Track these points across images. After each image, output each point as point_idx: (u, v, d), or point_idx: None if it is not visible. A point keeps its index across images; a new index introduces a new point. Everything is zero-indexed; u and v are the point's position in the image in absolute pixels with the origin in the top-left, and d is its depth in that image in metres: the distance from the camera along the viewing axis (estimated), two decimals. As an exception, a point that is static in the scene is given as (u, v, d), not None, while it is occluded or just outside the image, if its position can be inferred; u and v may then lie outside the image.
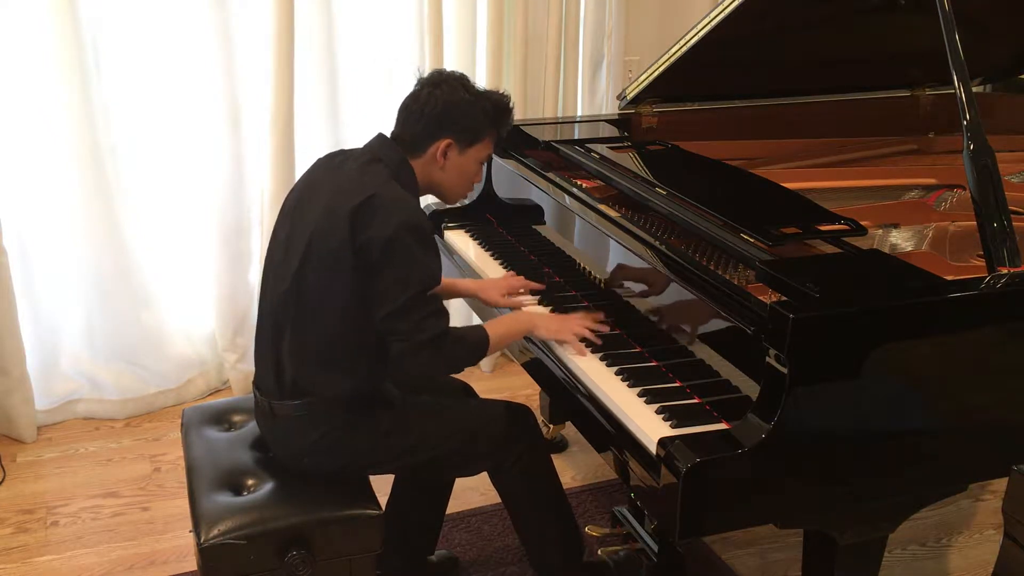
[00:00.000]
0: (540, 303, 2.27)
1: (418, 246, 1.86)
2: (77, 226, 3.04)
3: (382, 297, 1.86)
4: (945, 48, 1.89)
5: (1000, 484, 1.98)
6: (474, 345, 1.98)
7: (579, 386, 1.95)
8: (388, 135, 2.03)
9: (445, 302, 2.65)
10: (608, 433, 1.80)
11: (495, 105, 2.02)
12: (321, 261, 1.90)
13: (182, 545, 2.59)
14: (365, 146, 2.03)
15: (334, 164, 2.02)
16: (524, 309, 2.25)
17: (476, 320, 3.58)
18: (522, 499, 2.15)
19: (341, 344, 1.94)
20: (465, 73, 2.05)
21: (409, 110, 2.00)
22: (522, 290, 2.32)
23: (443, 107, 1.96)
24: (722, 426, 1.68)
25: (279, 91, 3.05)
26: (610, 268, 2.17)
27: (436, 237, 2.76)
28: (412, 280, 1.86)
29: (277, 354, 1.98)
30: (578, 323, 2.05)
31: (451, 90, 1.97)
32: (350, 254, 1.86)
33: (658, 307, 1.98)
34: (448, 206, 2.81)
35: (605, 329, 2.06)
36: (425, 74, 2.04)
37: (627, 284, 2.10)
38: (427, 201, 3.18)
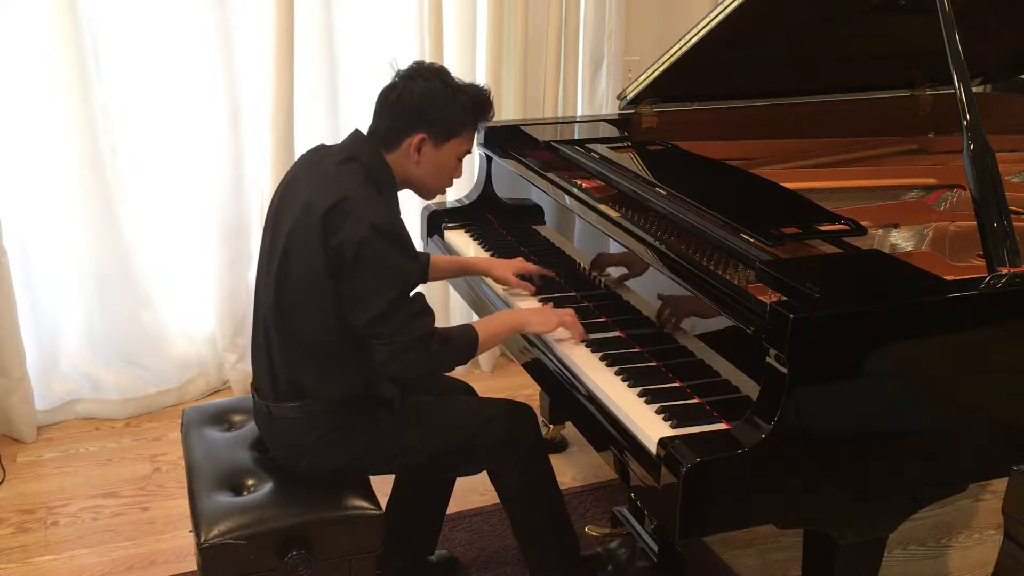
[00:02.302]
0: (542, 304, 2.27)
1: (390, 248, 1.84)
2: (77, 226, 3.04)
3: (359, 302, 1.85)
4: (945, 48, 1.89)
5: (1000, 484, 1.98)
6: (462, 346, 1.97)
7: (579, 386, 1.95)
8: (365, 131, 2.01)
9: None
10: (608, 433, 1.80)
11: (473, 99, 1.96)
12: (298, 261, 1.89)
13: (182, 545, 2.59)
14: (343, 143, 2.01)
15: (314, 160, 2.01)
16: (518, 306, 2.26)
17: (475, 318, 3.59)
18: (521, 499, 2.15)
19: (332, 345, 1.93)
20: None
21: (384, 102, 1.97)
22: (533, 275, 2.34)
23: (418, 100, 1.92)
24: (722, 426, 1.68)
25: (279, 91, 3.05)
26: (610, 268, 2.17)
27: (436, 237, 2.78)
28: (389, 283, 1.85)
29: (269, 356, 1.98)
30: (561, 317, 2.07)
31: (426, 83, 1.93)
32: (323, 257, 1.85)
33: (658, 307, 1.98)
34: (437, 204, 2.82)
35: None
36: (403, 67, 2.00)
37: (627, 284, 2.10)
38: (427, 200, 3.18)
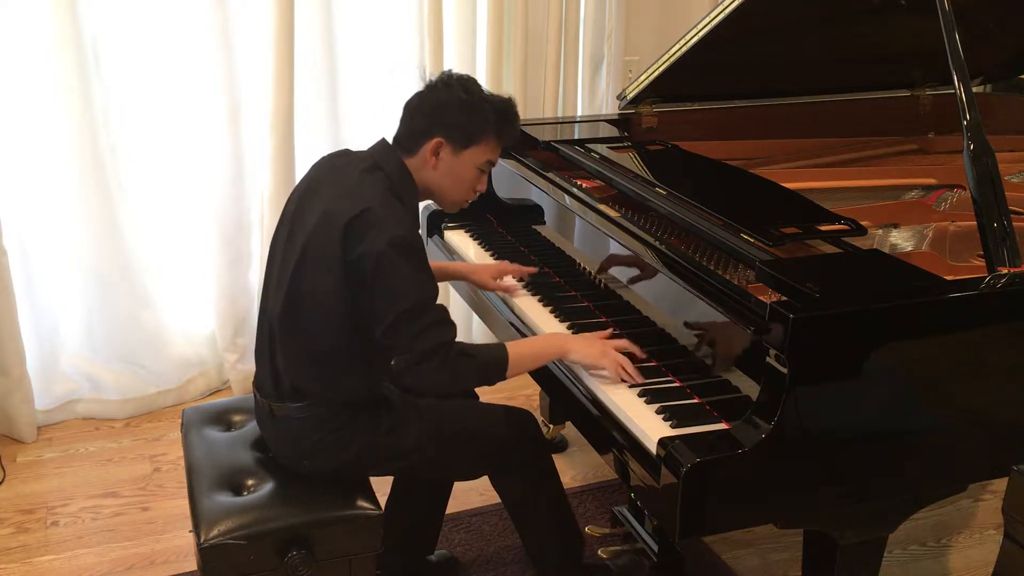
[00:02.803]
0: (542, 304, 2.27)
1: (408, 263, 1.83)
2: (77, 226, 3.04)
3: (379, 314, 1.85)
4: (945, 48, 1.89)
5: (1000, 484, 1.98)
6: (488, 363, 1.91)
7: (579, 386, 1.94)
8: (391, 140, 2.01)
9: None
10: (608, 433, 1.80)
11: (495, 108, 1.96)
12: (315, 267, 1.89)
13: (182, 545, 2.59)
14: (368, 150, 2.00)
15: (337, 166, 2.00)
16: (523, 298, 2.27)
17: (476, 320, 3.59)
18: (523, 502, 2.15)
19: (339, 350, 1.93)
20: (464, 71, 2.04)
21: (407, 108, 1.98)
22: (510, 276, 2.35)
23: (437, 105, 1.93)
24: (722, 426, 1.68)
25: (279, 91, 3.05)
26: (610, 268, 2.17)
27: (436, 237, 2.78)
28: (405, 295, 1.84)
29: (274, 356, 1.97)
30: (615, 351, 1.91)
31: (449, 89, 1.94)
32: (342, 266, 1.85)
33: (658, 307, 1.98)
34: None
35: (643, 356, 1.94)
36: (434, 76, 2.00)
37: (627, 284, 2.10)
38: (427, 200, 3.18)
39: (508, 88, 3.37)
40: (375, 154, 1.98)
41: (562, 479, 2.20)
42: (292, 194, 2.03)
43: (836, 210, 1.98)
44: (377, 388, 2.04)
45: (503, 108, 1.97)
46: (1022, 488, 1.85)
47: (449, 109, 1.93)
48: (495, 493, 2.16)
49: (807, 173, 2.55)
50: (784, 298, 1.62)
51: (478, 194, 2.06)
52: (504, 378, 1.94)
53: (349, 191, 1.90)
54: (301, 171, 2.14)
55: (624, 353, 1.92)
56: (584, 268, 2.29)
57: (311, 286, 1.90)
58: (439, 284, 2.57)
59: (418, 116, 1.95)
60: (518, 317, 2.26)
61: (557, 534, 2.18)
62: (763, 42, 2.59)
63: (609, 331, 2.05)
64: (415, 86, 2.02)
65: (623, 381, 1.87)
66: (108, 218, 3.06)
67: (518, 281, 2.37)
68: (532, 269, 2.36)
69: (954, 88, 1.87)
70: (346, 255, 1.84)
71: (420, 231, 2.82)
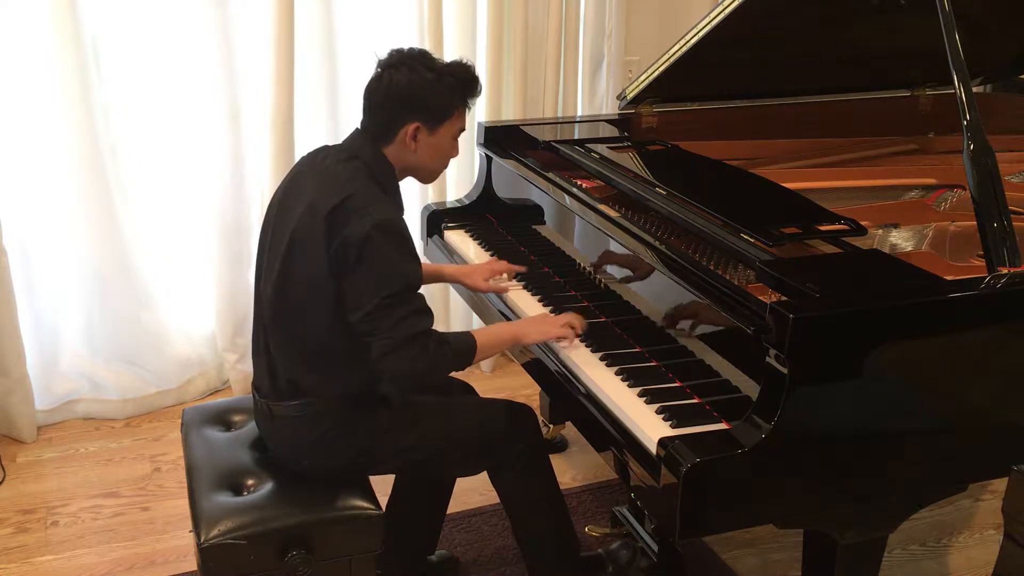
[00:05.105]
0: (543, 304, 2.27)
1: (393, 247, 1.84)
2: (77, 226, 3.04)
3: (359, 298, 1.85)
4: (945, 48, 1.89)
5: (1000, 484, 1.98)
6: (460, 351, 1.95)
7: (579, 386, 1.95)
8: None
9: (437, 285, 2.70)
10: (608, 433, 1.80)
11: (459, 78, 1.95)
12: (302, 260, 1.89)
13: (182, 545, 2.59)
14: (344, 142, 2.01)
15: (317, 160, 2.01)
16: (512, 293, 2.29)
17: (476, 319, 3.59)
18: (521, 499, 2.15)
19: (333, 344, 1.93)
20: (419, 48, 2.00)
21: (373, 97, 1.95)
22: (505, 275, 2.36)
23: (406, 90, 1.91)
24: (722, 426, 1.68)
25: (279, 91, 3.05)
26: (610, 268, 2.17)
27: (436, 237, 2.78)
28: (390, 280, 1.84)
29: (269, 355, 1.98)
30: (560, 321, 2.05)
31: (411, 70, 1.91)
32: (326, 254, 1.85)
33: (658, 307, 1.98)
34: (437, 204, 2.84)
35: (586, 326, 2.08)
36: (383, 55, 1.98)
37: (627, 284, 2.10)
38: (427, 200, 3.18)
39: (508, 88, 3.37)
40: (351, 145, 1.99)
41: (562, 479, 2.20)
42: (276, 191, 2.04)
43: (836, 210, 1.98)
44: (374, 384, 2.04)
45: (465, 76, 1.97)
46: (1022, 488, 1.85)
47: (420, 93, 1.91)
48: (495, 493, 2.16)
49: (807, 173, 2.55)
50: (784, 298, 1.62)
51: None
52: (472, 363, 1.99)
53: (330, 182, 1.91)
54: (301, 171, 2.17)
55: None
56: (584, 268, 2.29)
57: (299, 276, 1.90)
58: (435, 285, 2.58)
59: (388, 105, 1.93)
60: (519, 318, 2.26)
61: (553, 533, 2.18)
62: (763, 42, 2.59)
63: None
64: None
65: (578, 337, 2.04)
66: (108, 218, 3.06)
67: (510, 280, 2.38)
68: (522, 268, 2.37)
69: (954, 88, 1.87)
70: (330, 241, 1.84)
71: (419, 232, 2.86)
